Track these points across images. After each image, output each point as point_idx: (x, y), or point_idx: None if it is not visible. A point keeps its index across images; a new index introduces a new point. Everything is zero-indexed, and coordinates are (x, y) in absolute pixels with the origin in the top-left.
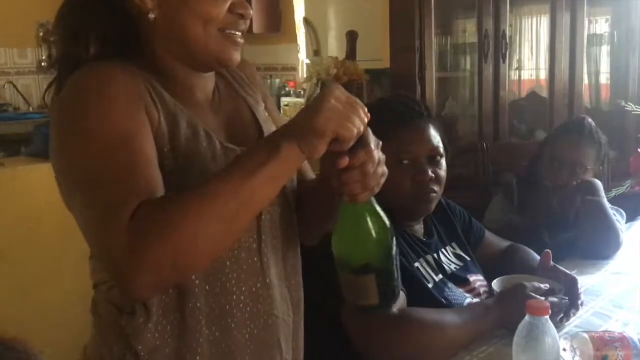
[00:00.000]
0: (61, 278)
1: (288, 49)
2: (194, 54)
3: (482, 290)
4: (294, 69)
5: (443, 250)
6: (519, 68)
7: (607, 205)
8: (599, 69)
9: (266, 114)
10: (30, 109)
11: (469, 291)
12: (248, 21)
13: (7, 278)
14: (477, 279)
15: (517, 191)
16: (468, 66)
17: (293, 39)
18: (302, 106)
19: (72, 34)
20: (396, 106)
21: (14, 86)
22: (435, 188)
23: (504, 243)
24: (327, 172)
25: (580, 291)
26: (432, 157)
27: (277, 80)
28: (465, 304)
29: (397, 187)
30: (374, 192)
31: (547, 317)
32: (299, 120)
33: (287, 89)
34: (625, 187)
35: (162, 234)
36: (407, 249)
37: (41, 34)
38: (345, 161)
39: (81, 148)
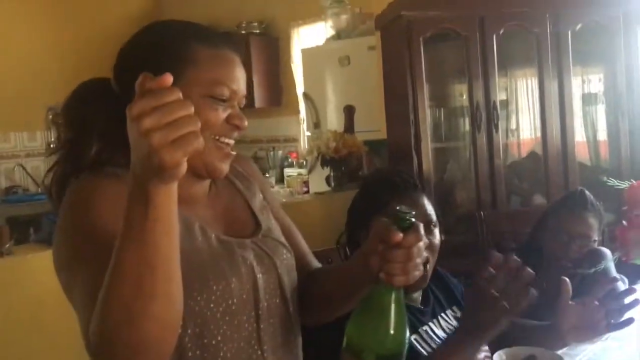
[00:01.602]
0: None
1: (290, 122)
2: (189, 160)
3: (483, 355)
4: (295, 140)
5: (443, 315)
6: (517, 128)
7: (614, 272)
8: (597, 127)
9: (264, 203)
10: (40, 190)
11: None
12: (242, 132)
13: None
14: None
15: None
16: (467, 128)
17: (294, 111)
18: (303, 177)
19: (76, 127)
20: (390, 178)
21: (24, 168)
22: (429, 256)
23: None
24: (371, 250)
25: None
26: (426, 226)
27: (280, 152)
28: None
29: None
30: (409, 281)
31: None
32: (139, 164)
33: (289, 160)
34: (614, 259)
35: (96, 338)
36: None
37: (50, 117)
38: (398, 236)
39: (72, 249)
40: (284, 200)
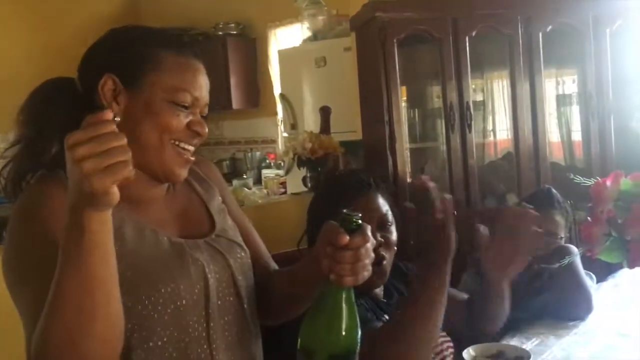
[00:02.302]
0: None
1: (267, 123)
2: (148, 163)
3: (445, 345)
4: (273, 141)
5: None
6: (494, 128)
7: (580, 268)
8: (571, 127)
9: (223, 206)
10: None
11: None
12: (203, 138)
13: None
14: (439, 335)
15: None
16: (444, 130)
17: (272, 112)
18: (280, 178)
19: (37, 124)
20: (345, 179)
21: None
22: (386, 254)
23: (464, 295)
24: (320, 252)
25: None
26: (382, 224)
27: (258, 153)
28: None
29: None
30: (358, 281)
31: None
32: (72, 192)
33: (267, 161)
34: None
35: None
36: (369, 310)
37: (22, 118)
38: (345, 239)
39: (18, 260)
40: (259, 201)
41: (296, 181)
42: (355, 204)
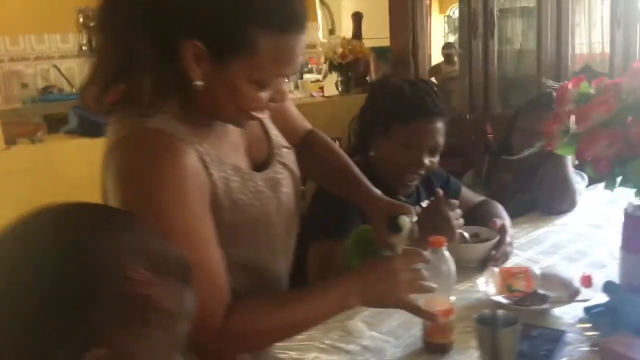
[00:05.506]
0: None
1: (308, 28)
2: (218, 119)
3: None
4: (314, 46)
5: (422, 204)
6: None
7: (569, 166)
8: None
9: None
10: (74, 90)
11: None
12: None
13: None
14: None
15: (487, 165)
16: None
17: (312, 18)
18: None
19: (124, 58)
20: (422, 96)
21: (58, 69)
22: (421, 175)
23: (478, 198)
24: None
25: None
26: (433, 149)
27: (300, 57)
28: None
29: (393, 164)
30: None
31: (443, 248)
32: (374, 292)
33: (309, 66)
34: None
35: (251, 342)
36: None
37: (81, 19)
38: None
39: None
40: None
41: (331, 85)
42: (421, 125)
